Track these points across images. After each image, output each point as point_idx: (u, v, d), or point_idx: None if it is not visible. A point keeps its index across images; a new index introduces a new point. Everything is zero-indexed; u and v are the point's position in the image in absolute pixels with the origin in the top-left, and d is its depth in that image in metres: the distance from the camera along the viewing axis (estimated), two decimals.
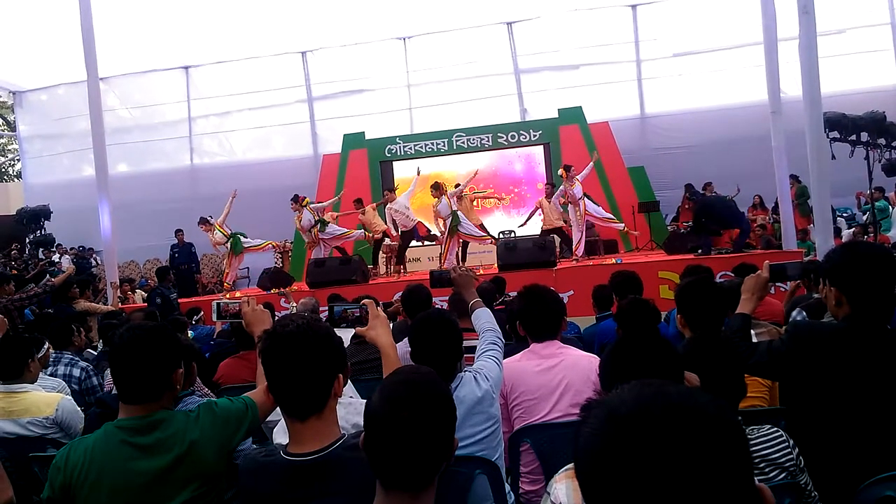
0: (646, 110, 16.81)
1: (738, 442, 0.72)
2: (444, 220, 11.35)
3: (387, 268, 12.84)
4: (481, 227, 12.16)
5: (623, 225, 12.13)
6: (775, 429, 2.01)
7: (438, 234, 12.12)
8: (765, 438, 1.98)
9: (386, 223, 12.58)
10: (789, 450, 1.97)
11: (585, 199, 11.63)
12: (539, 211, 12.96)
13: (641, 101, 16.83)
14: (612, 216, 12.15)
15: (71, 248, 16.94)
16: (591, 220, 11.85)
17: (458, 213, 11.32)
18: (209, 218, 11.79)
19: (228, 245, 11.76)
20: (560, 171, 11.73)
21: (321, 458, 1.69)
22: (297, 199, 12.05)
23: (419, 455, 1.34)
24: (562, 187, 11.70)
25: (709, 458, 0.68)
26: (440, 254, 11.59)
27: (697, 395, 0.74)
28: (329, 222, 12.10)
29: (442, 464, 1.39)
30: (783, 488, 1.92)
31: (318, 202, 12.78)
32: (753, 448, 1.95)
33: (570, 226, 11.96)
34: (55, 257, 15.85)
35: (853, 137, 10.84)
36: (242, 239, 11.89)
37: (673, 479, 0.67)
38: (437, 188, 11.44)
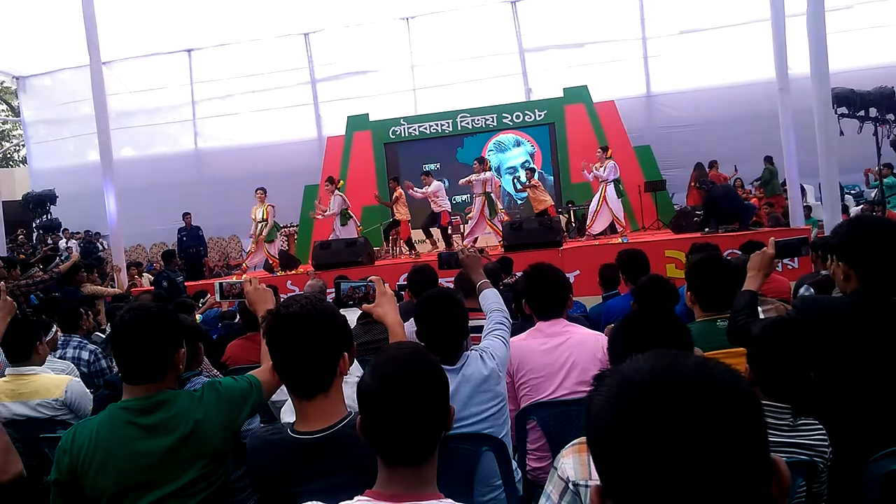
0: (652, 89, 16.67)
1: (754, 412, 0.71)
2: (478, 197, 11.61)
3: (392, 249, 12.84)
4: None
5: (622, 230, 12.04)
6: (820, 427, 1.99)
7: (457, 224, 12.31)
8: (810, 432, 1.97)
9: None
10: (826, 449, 1.96)
11: (612, 185, 11.75)
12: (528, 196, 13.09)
13: (647, 80, 16.68)
14: (621, 219, 12.03)
15: (77, 233, 16.99)
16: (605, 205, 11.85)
17: (492, 195, 11.53)
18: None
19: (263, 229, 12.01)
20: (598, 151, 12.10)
21: (328, 436, 1.70)
22: (332, 181, 12.07)
23: (420, 428, 1.35)
24: (596, 164, 11.93)
25: (724, 427, 0.67)
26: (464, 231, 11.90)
27: (712, 365, 0.73)
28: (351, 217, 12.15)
29: (441, 433, 1.40)
30: (797, 465, 1.92)
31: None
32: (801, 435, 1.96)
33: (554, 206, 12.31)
34: (62, 242, 15.89)
35: (861, 113, 10.76)
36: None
37: (687, 447, 0.66)
38: (482, 161, 11.82)
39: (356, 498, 1.35)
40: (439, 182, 12.38)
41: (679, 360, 0.73)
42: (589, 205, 12.26)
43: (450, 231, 12.20)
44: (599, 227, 11.88)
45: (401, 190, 12.30)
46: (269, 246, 12.15)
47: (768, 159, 13.28)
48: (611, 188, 11.77)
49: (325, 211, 11.89)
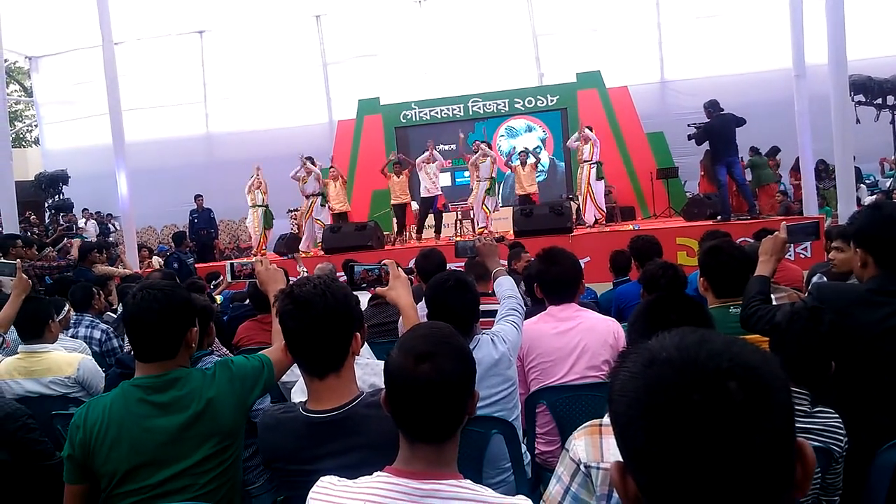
0: (666, 75, 16.51)
1: (781, 392, 0.69)
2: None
3: (401, 234, 12.85)
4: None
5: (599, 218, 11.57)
6: (837, 416, 1.97)
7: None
8: (826, 419, 1.95)
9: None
10: (842, 436, 1.94)
11: (594, 169, 11.45)
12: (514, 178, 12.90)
13: (661, 66, 16.52)
14: (602, 206, 11.59)
15: (94, 213, 17.05)
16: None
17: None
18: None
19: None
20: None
21: (341, 415, 1.71)
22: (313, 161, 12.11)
23: (442, 407, 1.35)
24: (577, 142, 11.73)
25: (750, 405, 0.66)
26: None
27: (741, 344, 0.72)
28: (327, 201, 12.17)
29: (464, 416, 1.40)
30: (816, 451, 1.89)
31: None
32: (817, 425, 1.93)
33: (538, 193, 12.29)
34: (81, 222, 15.93)
35: (879, 101, 10.64)
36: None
37: (712, 425, 0.65)
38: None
39: (376, 474, 1.36)
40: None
41: (707, 338, 0.72)
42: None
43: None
44: (590, 215, 11.40)
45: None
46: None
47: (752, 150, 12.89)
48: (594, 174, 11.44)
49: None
